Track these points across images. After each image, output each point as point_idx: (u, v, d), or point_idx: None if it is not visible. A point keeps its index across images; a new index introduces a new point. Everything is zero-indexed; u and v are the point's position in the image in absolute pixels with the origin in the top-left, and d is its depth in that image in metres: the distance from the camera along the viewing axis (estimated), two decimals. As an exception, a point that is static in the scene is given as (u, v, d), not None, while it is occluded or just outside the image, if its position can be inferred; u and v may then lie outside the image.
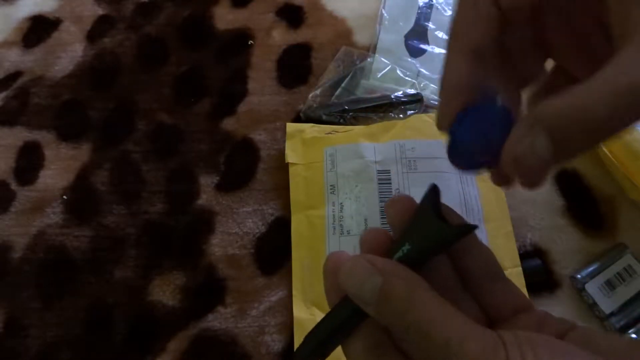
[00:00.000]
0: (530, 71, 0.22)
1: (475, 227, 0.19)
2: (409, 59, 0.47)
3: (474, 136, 0.20)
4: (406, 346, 0.19)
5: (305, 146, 0.42)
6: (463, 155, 0.20)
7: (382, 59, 0.47)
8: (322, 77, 0.46)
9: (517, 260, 0.37)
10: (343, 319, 0.20)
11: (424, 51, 0.48)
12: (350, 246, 0.37)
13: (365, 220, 0.37)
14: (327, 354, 0.21)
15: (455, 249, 0.21)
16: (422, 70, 0.47)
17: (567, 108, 0.16)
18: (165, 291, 0.38)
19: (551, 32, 0.21)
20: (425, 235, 0.19)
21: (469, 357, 0.16)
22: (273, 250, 0.39)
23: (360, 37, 0.49)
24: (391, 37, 0.49)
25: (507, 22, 0.19)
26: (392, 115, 0.44)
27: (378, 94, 0.45)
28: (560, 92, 0.16)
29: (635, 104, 0.15)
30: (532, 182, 0.18)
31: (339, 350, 0.21)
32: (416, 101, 0.44)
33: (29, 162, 0.44)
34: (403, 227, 0.20)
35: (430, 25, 0.49)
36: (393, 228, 0.21)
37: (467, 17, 0.20)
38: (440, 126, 0.20)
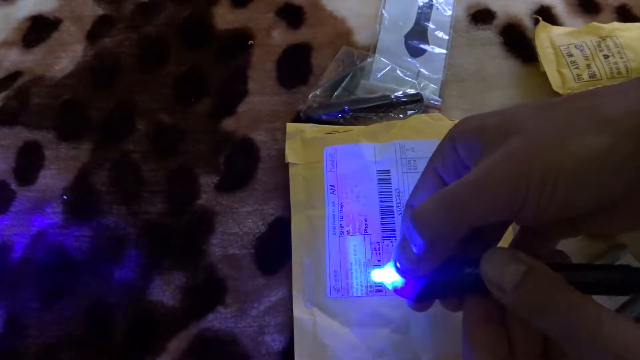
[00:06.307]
0: None
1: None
2: (409, 59, 0.47)
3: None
4: (554, 336, 0.20)
5: (305, 146, 0.42)
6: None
7: (382, 59, 0.47)
8: (322, 77, 0.46)
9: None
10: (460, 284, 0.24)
11: (424, 51, 0.48)
12: (350, 246, 0.37)
13: (365, 220, 0.37)
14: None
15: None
16: (422, 70, 0.47)
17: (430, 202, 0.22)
18: (165, 291, 0.38)
19: None
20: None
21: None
22: (273, 250, 0.39)
23: (360, 37, 0.49)
24: (391, 37, 0.49)
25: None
26: (392, 115, 0.44)
27: (378, 94, 0.45)
28: None
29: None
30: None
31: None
32: (416, 101, 0.44)
33: (29, 162, 0.44)
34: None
35: (430, 25, 0.49)
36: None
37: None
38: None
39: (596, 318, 0.18)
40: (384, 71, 0.46)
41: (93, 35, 0.51)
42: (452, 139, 0.24)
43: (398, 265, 0.25)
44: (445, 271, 0.24)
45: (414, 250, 0.23)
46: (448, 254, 0.23)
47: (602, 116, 0.19)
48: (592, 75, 0.43)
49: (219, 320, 0.37)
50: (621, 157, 0.18)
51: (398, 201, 0.38)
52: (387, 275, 0.26)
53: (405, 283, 0.25)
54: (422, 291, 0.24)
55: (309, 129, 0.43)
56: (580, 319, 0.18)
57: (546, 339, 0.23)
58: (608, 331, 0.17)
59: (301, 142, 0.42)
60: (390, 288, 0.26)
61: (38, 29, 0.52)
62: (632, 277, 0.22)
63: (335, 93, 0.45)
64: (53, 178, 0.43)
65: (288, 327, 0.36)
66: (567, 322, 0.18)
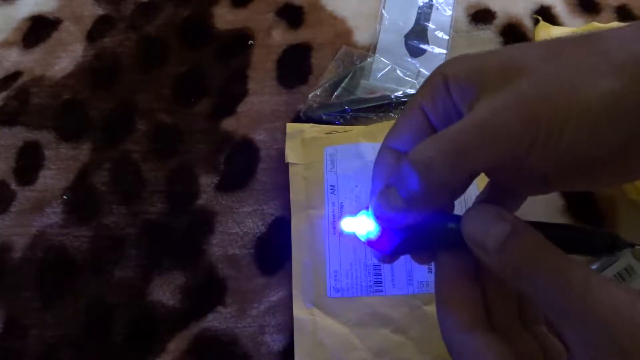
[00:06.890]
0: None
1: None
2: (409, 59, 0.47)
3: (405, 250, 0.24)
4: (535, 299, 0.19)
5: (305, 146, 0.42)
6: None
7: (382, 59, 0.47)
8: (322, 77, 0.46)
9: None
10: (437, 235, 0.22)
11: (424, 51, 0.48)
12: (350, 246, 0.37)
13: (365, 220, 0.37)
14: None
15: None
16: (422, 70, 0.47)
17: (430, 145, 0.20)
18: (165, 291, 0.38)
19: None
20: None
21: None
22: (273, 250, 0.39)
23: (360, 37, 0.49)
24: (391, 37, 0.49)
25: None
26: (392, 115, 0.44)
27: (378, 94, 0.45)
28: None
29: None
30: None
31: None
32: (416, 101, 0.44)
33: (29, 162, 0.44)
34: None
35: (430, 25, 0.49)
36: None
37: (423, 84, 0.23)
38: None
39: (584, 282, 0.17)
40: (384, 71, 0.46)
41: (93, 35, 0.51)
42: (444, 78, 0.22)
43: (379, 213, 0.23)
44: (425, 224, 0.22)
45: (404, 196, 0.21)
46: (442, 201, 0.22)
47: (614, 61, 0.18)
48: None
49: (219, 320, 0.37)
50: (633, 103, 0.18)
51: (398, 201, 0.38)
52: (361, 225, 0.24)
53: (381, 234, 0.23)
54: (400, 244, 0.23)
55: (309, 129, 0.43)
56: (567, 283, 0.17)
57: (520, 301, 0.22)
58: (596, 295, 0.17)
59: (301, 142, 0.42)
60: (363, 240, 0.24)
61: (38, 29, 0.52)
62: (613, 239, 0.21)
63: (335, 93, 0.45)
64: (53, 178, 0.43)
65: (288, 327, 0.36)
66: (554, 285, 0.17)
